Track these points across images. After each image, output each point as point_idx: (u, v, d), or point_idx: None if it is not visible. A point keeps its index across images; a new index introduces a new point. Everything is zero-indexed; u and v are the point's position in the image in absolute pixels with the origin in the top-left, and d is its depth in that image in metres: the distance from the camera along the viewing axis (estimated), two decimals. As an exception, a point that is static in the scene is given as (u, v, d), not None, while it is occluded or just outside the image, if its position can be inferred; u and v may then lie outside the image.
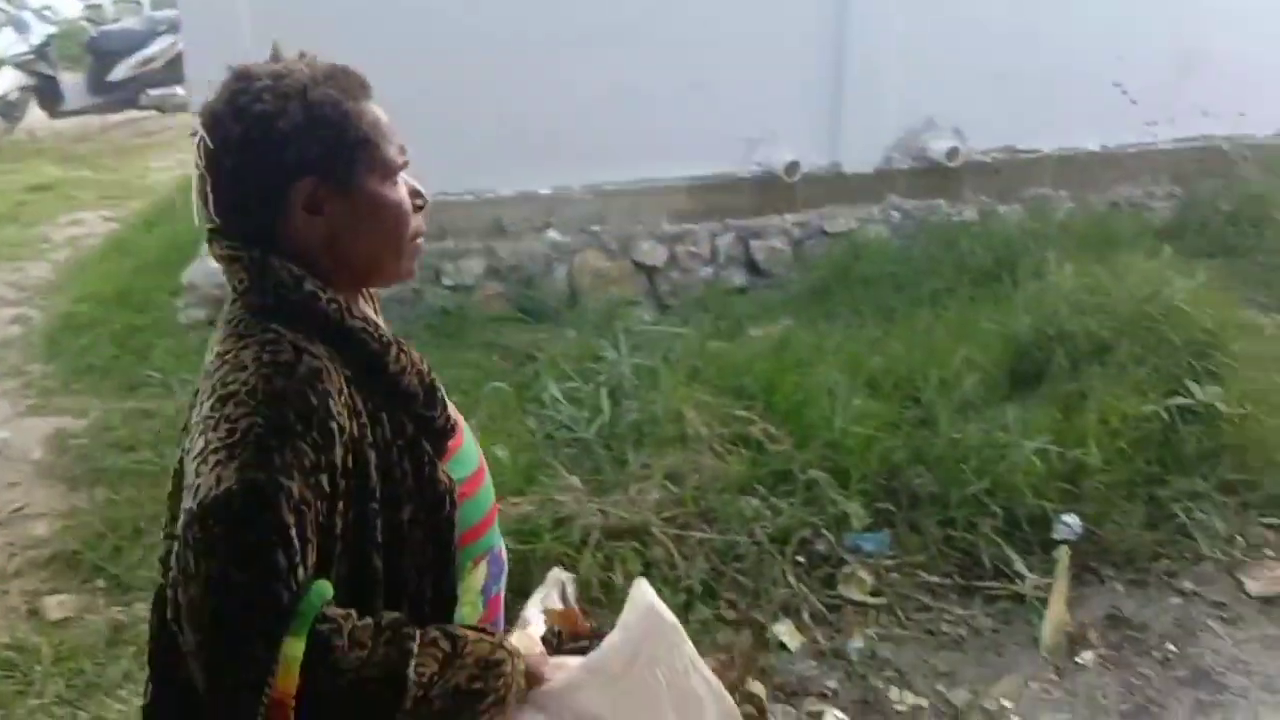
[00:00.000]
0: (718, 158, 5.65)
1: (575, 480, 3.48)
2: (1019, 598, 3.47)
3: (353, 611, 1.22)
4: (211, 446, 1.19)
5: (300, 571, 1.18)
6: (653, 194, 5.48)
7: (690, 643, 1.48)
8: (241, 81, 1.29)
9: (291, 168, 1.28)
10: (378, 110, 1.34)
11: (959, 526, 3.62)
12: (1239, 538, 3.79)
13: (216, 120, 1.28)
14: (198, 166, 1.30)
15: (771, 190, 5.75)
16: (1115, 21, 5.94)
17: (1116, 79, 6.01)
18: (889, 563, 3.56)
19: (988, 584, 3.51)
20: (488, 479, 1.51)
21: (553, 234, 5.45)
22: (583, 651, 1.46)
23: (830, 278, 5.48)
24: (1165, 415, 3.93)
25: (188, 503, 1.19)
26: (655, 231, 5.58)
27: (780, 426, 3.93)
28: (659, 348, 4.42)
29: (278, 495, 1.17)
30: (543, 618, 1.54)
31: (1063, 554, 3.60)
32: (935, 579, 3.53)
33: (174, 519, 1.30)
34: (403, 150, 1.36)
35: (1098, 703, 3.14)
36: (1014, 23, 5.72)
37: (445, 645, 1.25)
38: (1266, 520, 3.88)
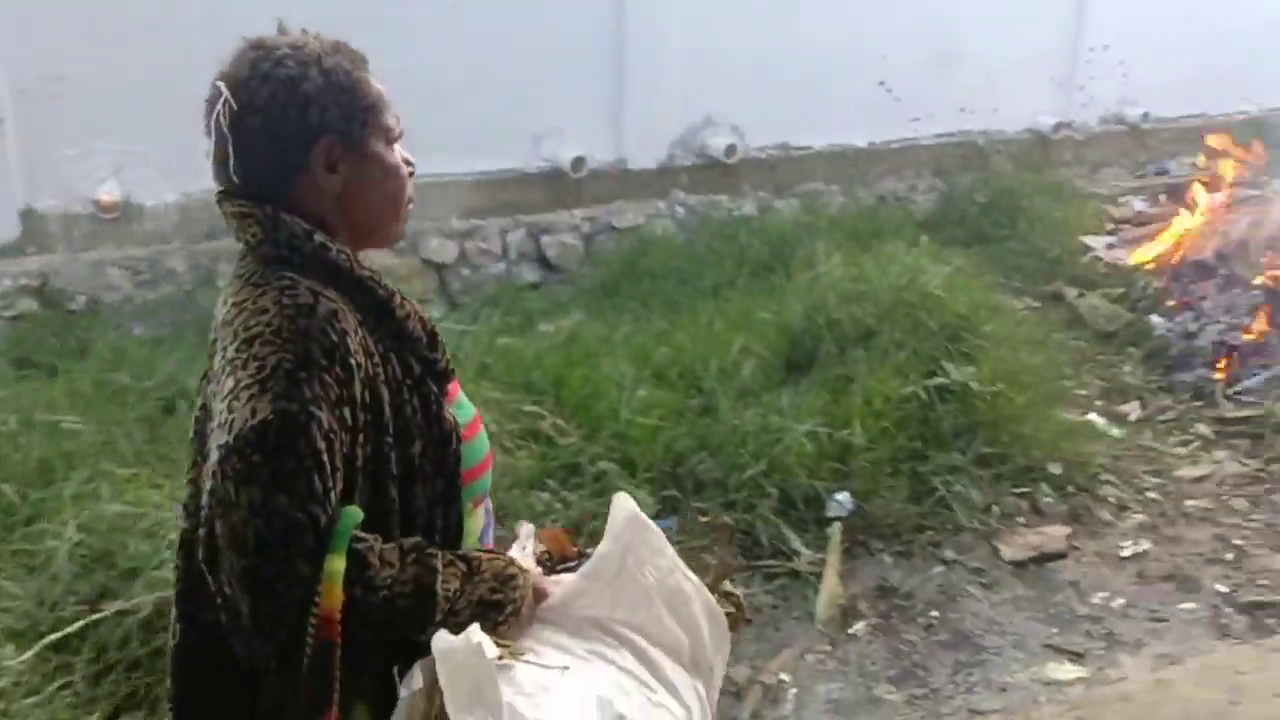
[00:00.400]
0: (505, 153, 5.66)
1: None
2: (796, 574, 3.65)
3: (378, 536, 1.32)
4: (243, 384, 1.27)
5: (333, 495, 1.27)
6: (440, 190, 5.42)
7: (670, 546, 1.59)
8: (261, 50, 1.39)
9: (314, 127, 1.38)
10: (377, 81, 1.47)
11: (739, 509, 3.76)
12: (994, 507, 4.09)
13: (241, 84, 1.37)
14: (218, 129, 1.37)
15: (559, 186, 5.80)
16: (878, 24, 6.30)
17: (881, 78, 6.37)
18: (675, 548, 3.67)
19: (766, 563, 3.68)
20: (483, 429, 1.60)
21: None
22: (573, 570, 1.58)
23: (619, 272, 5.57)
24: (924, 395, 4.20)
25: (222, 438, 1.26)
26: (444, 228, 5.54)
27: (570, 420, 4.00)
28: (448, 346, 4.38)
29: (310, 423, 1.26)
30: (533, 542, 1.63)
31: (835, 530, 3.81)
32: (714, 561, 3.66)
33: (195, 464, 1.39)
34: (398, 120, 1.49)
35: (867, 670, 3.34)
36: (783, 25, 5.98)
37: (462, 565, 1.37)
38: (1018, 490, 4.20)
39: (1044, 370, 4.79)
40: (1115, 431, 4.76)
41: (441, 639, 1.26)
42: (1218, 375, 4.96)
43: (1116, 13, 6.91)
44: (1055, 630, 3.55)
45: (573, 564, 1.63)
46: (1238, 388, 4.90)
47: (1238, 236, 5.67)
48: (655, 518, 3.65)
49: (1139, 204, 6.69)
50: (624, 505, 1.58)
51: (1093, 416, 4.84)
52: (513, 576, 1.43)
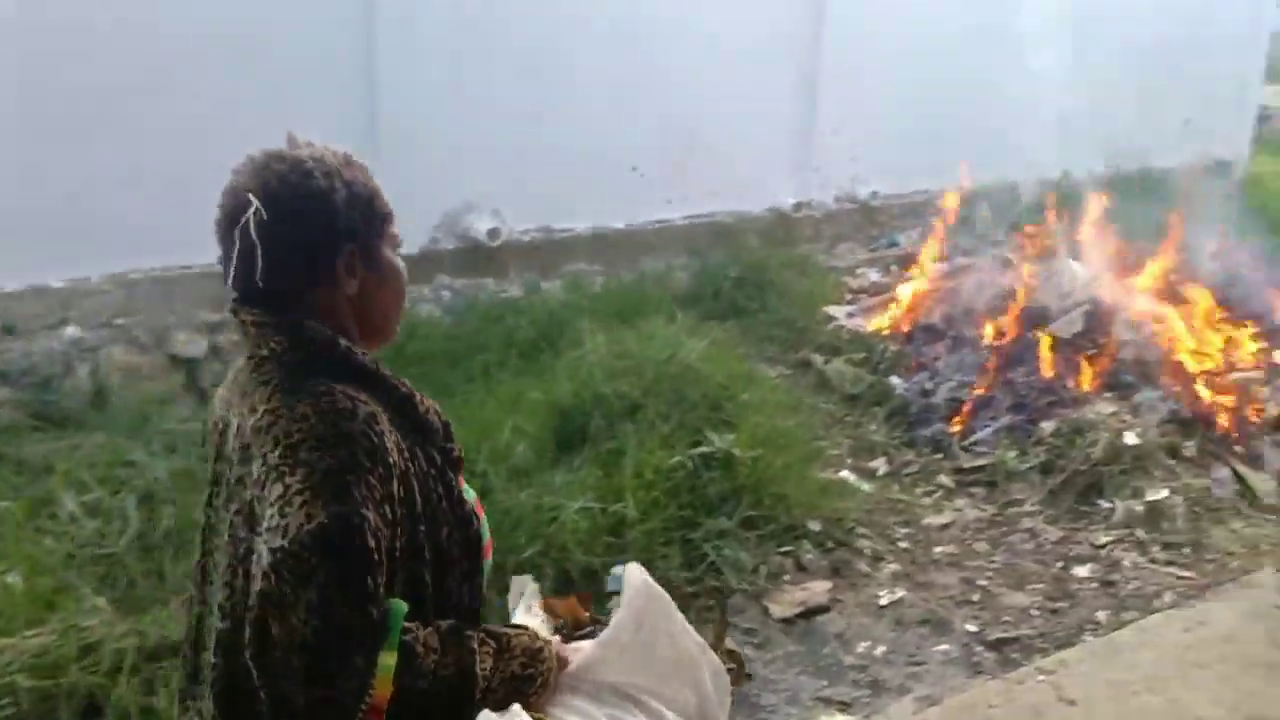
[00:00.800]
0: (258, 242, 5.48)
1: (102, 601, 3.17)
2: (576, 652, 3.65)
3: (419, 623, 1.42)
4: (293, 489, 1.35)
5: (382, 591, 1.37)
6: (187, 281, 5.17)
7: (678, 610, 1.72)
8: (284, 162, 1.47)
9: (340, 237, 1.48)
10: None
11: (517, 592, 3.74)
12: (762, 567, 4.25)
13: (271, 195, 1.42)
14: (245, 237, 1.40)
15: (318, 273, 5.67)
16: (630, 113, 6.58)
17: (634, 163, 6.65)
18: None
19: (547, 643, 3.66)
20: (483, 507, 1.71)
21: (71, 330, 4.98)
22: (590, 636, 1.69)
23: (386, 357, 5.46)
24: (691, 464, 4.34)
25: (276, 541, 1.33)
26: (192, 321, 5.27)
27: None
28: (198, 447, 4.17)
29: (363, 525, 1.35)
30: (542, 616, 1.81)
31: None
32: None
33: (231, 567, 1.44)
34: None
35: (650, 739, 3.37)
36: (538, 113, 6.16)
37: (493, 643, 1.48)
38: (782, 549, 4.39)
39: (798, 433, 5.05)
40: (866, 487, 5.06)
41: (486, 717, 1.41)
42: (954, 429, 5.39)
43: (844, 100, 7.51)
44: (825, 682, 3.72)
45: (588, 630, 1.77)
46: (972, 439, 5.34)
47: (963, 301, 6.22)
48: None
49: (873, 275, 7.23)
50: (635, 574, 1.72)
51: (845, 474, 5.14)
52: (540, 650, 1.54)
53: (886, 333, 6.23)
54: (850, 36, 7.41)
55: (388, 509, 1.40)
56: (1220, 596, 4.12)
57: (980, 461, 5.21)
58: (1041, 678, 3.56)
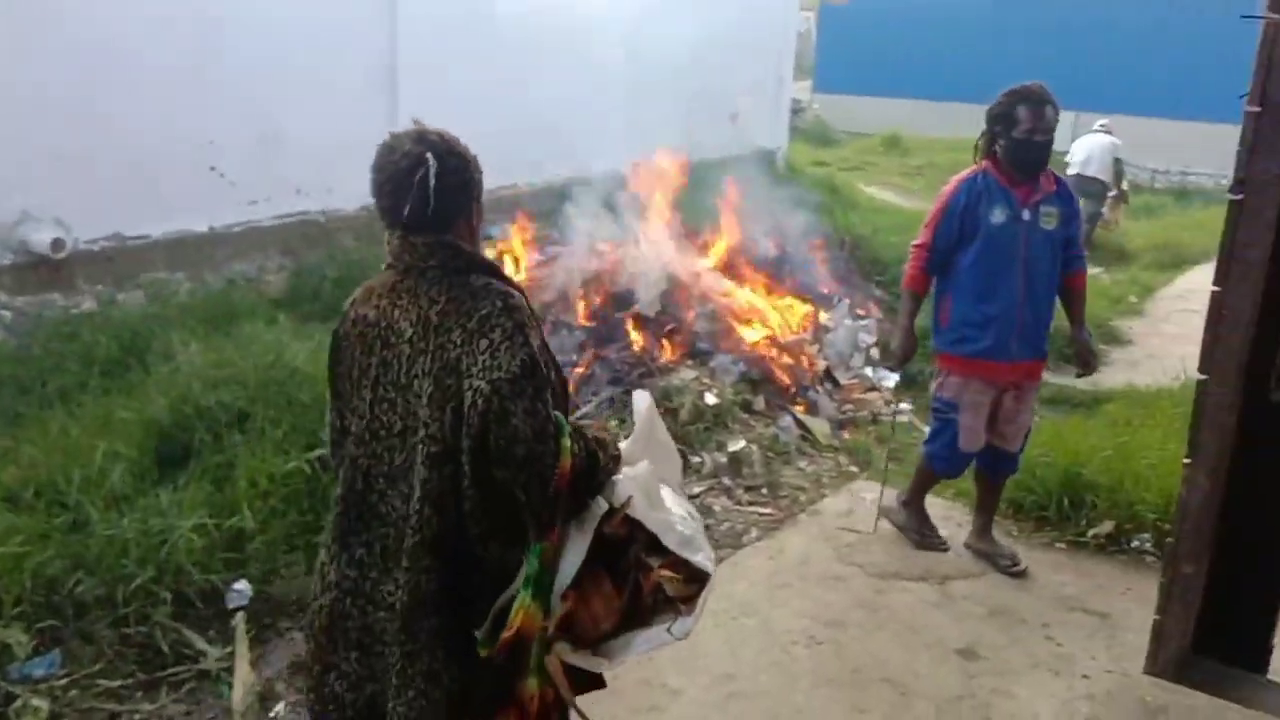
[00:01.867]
0: None
1: None
2: (206, 674, 3.52)
3: None
4: (497, 341, 2.00)
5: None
6: None
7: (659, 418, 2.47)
8: (439, 136, 2.14)
9: (475, 187, 2.19)
10: None
11: (132, 622, 3.53)
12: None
13: (440, 156, 2.09)
14: (423, 184, 2.05)
15: None
16: (204, 109, 6.25)
17: (213, 163, 6.33)
18: (64, 682, 3.34)
19: (173, 671, 3.49)
20: None
21: None
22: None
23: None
24: (308, 468, 4.28)
25: (493, 375, 1.97)
26: None
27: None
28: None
29: (543, 360, 2.05)
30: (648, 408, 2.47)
31: (239, 620, 3.73)
32: (117, 683, 3.40)
33: (441, 408, 2.02)
34: None
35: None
36: (97, 112, 5.66)
37: (593, 435, 2.15)
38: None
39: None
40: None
41: (628, 473, 2.22)
42: (558, 408, 5.71)
43: (426, 97, 7.60)
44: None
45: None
46: (579, 415, 5.70)
47: (556, 288, 6.58)
48: (36, 655, 3.33)
49: (471, 266, 7.40)
50: (642, 397, 2.43)
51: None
52: (614, 440, 2.23)
53: (488, 321, 6.43)
54: (424, 34, 7.52)
55: (547, 353, 2.10)
56: (794, 527, 4.76)
57: (585, 435, 5.58)
58: (656, 620, 3.93)
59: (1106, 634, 3.86)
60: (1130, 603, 4.08)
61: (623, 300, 6.52)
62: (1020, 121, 3.96)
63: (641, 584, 2.13)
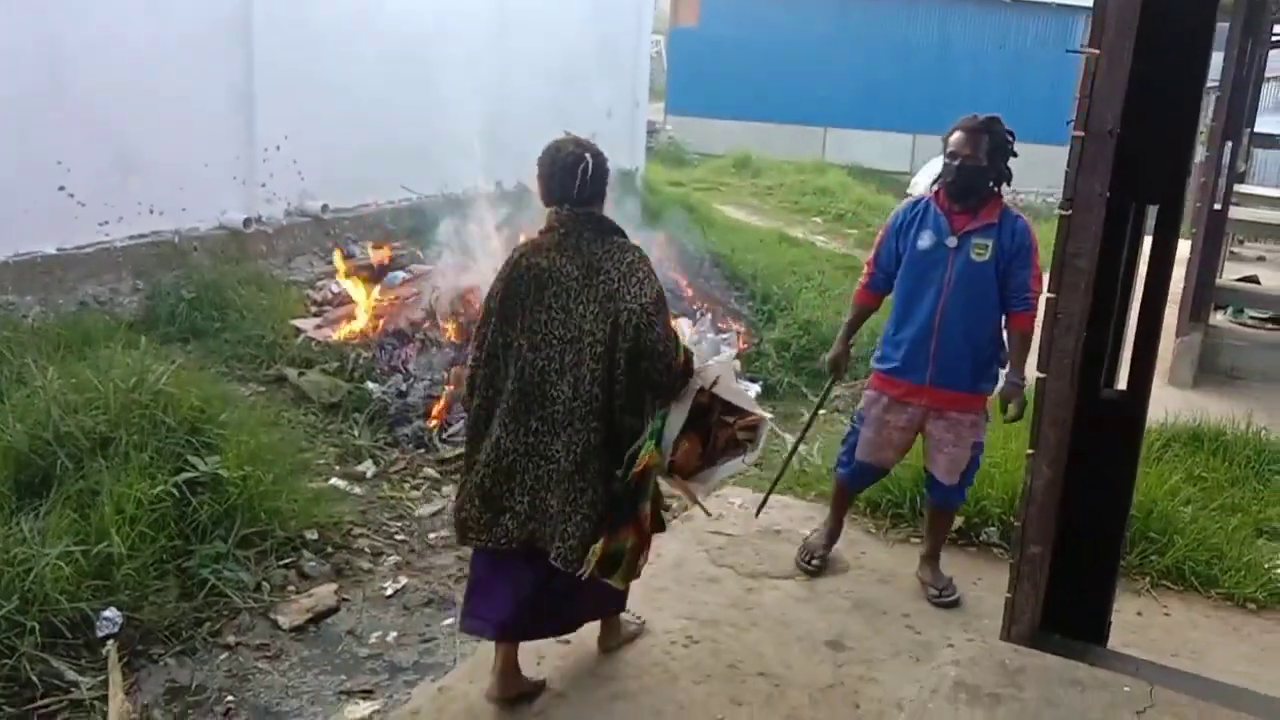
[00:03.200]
0: None
1: None
2: (79, 704, 3.42)
3: None
4: (641, 277, 3.10)
5: None
6: None
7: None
8: (586, 141, 3.23)
9: (608, 179, 3.26)
10: None
11: (-3, 655, 3.41)
12: (264, 584, 4.27)
13: (594, 154, 3.19)
14: (583, 174, 3.14)
15: None
16: (55, 132, 6.04)
17: (61, 183, 6.11)
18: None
19: (43, 703, 3.38)
20: None
21: None
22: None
23: None
24: (177, 491, 4.21)
25: (642, 299, 3.07)
26: None
27: None
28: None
29: (663, 292, 3.19)
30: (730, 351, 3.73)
31: (111, 649, 3.64)
32: (-20, 719, 3.28)
33: (604, 325, 3.09)
34: None
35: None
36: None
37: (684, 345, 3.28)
38: (284, 563, 4.43)
39: (283, 447, 5.06)
40: (357, 489, 5.24)
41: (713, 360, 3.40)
42: (432, 424, 5.74)
43: (284, 117, 7.52)
44: (344, 677, 3.86)
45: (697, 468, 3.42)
46: (449, 431, 5.73)
47: (425, 305, 6.60)
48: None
49: (334, 286, 7.35)
50: (726, 358, 3.49)
51: (335, 481, 5.27)
52: (690, 352, 3.30)
53: (357, 341, 6.40)
54: (281, 54, 7.43)
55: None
56: (669, 533, 4.89)
57: (459, 450, 5.61)
58: (539, 627, 4.02)
59: (961, 621, 4.13)
60: (983, 591, 4.38)
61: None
62: (949, 144, 4.03)
63: (718, 436, 3.30)
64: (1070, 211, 2.32)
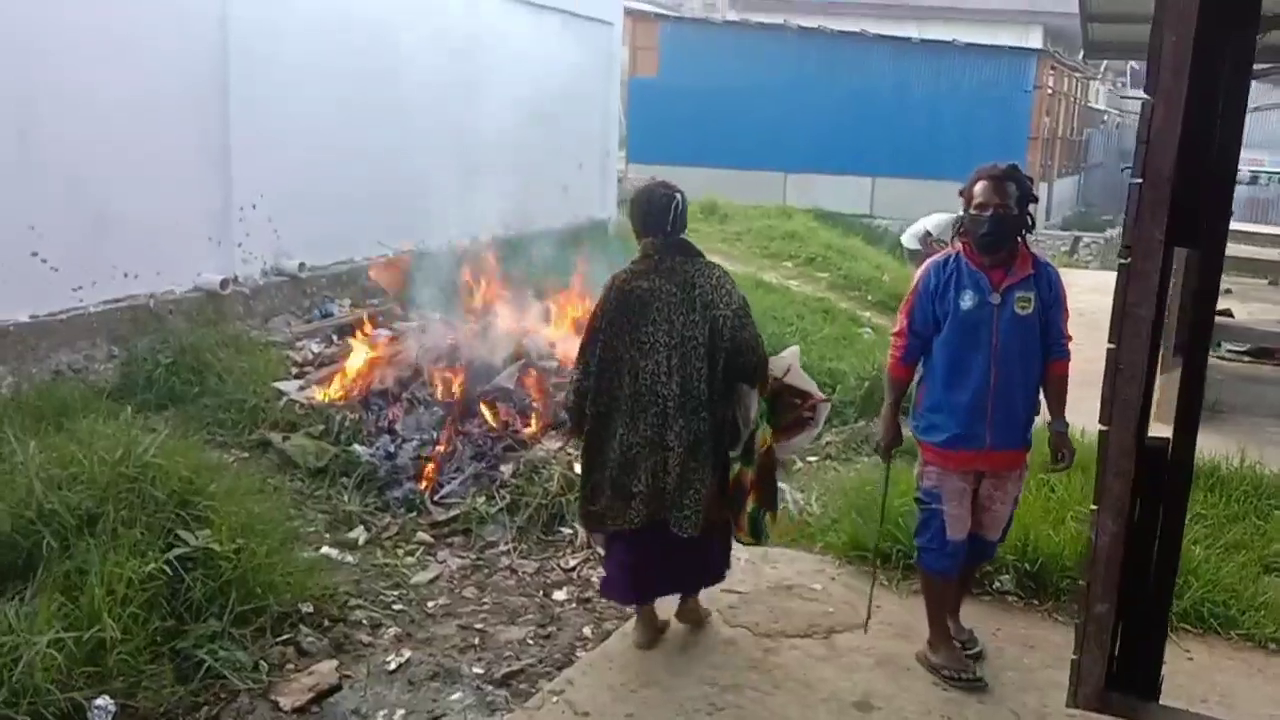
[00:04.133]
0: None
1: None
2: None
3: None
4: (729, 288, 3.96)
5: None
6: None
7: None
8: (672, 185, 4.13)
9: (686, 214, 4.14)
10: None
11: (-16, 753, 3.20)
12: (262, 662, 4.06)
13: (681, 196, 4.07)
14: (675, 212, 4.01)
15: None
16: (25, 194, 5.88)
17: (35, 249, 5.93)
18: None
19: (35, 804, 3.17)
20: None
21: None
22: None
23: None
24: (168, 569, 4.02)
25: (733, 305, 3.93)
26: None
27: None
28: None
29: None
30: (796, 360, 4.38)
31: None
32: (-30, 824, 3.07)
33: (708, 331, 3.91)
34: None
35: None
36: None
37: None
38: (281, 639, 4.23)
39: (272, 516, 4.88)
40: (350, 558, 5.06)
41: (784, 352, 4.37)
42: (423, 486, 5.58)
43: (261, 175, 7.40)
44: (351, 762, 3.67)
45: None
46: (442, 493, 5.58)
47: (411, 364, 6.45)
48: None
49: (315, 346, 7.19)
50: (793, 352, 4.31)
51: (326, 549, 5.08)
52: None
53: (341, 402, 6.24)
54: (257, 111, 7.34)
55: None
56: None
57: (454, 512, 5.47)
58: (555, 699, 3.86)
59: (988, 675, 4.03)
60: (1003, 642, 4.29)
61: (480, 374, 6.44)
62: (974, 196, 3.84)
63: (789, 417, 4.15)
64: (1129, 260, 2.26)
